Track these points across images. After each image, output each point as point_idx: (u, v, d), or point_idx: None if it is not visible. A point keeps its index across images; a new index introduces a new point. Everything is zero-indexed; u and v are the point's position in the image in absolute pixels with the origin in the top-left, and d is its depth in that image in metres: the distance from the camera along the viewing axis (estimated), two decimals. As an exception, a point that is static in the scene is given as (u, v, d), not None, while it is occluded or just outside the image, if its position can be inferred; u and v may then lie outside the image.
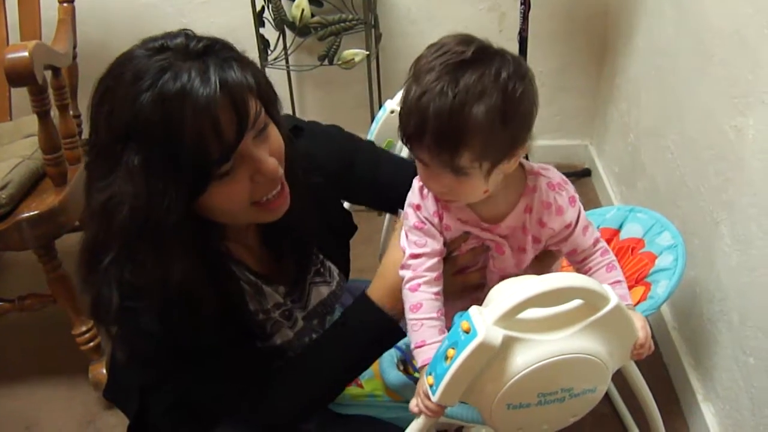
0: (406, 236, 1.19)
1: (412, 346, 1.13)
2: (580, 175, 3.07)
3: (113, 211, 1.03)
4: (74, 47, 2.29)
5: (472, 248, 1.20)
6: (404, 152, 1.65)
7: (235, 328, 1.20)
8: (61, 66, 2.00)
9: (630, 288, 1.42)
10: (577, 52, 2.95)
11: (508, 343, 0.93)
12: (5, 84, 2.24)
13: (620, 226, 1.87)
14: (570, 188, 1.18)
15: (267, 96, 1.11)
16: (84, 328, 2.07)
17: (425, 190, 1.17)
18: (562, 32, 2.89)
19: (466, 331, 0.92)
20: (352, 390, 1.45)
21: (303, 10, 2.51)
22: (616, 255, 1.68)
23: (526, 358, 0.95)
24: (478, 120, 0.98)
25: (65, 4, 2.30)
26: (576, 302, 0.97)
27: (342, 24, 2.57)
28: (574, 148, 3.17)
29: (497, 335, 0.92)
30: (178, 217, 1.02)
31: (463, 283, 1.23)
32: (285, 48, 2.72)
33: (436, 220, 1.15)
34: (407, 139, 1.04)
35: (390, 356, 1.45)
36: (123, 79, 1.02)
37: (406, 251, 1.17)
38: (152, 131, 0.99)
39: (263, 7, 2.59)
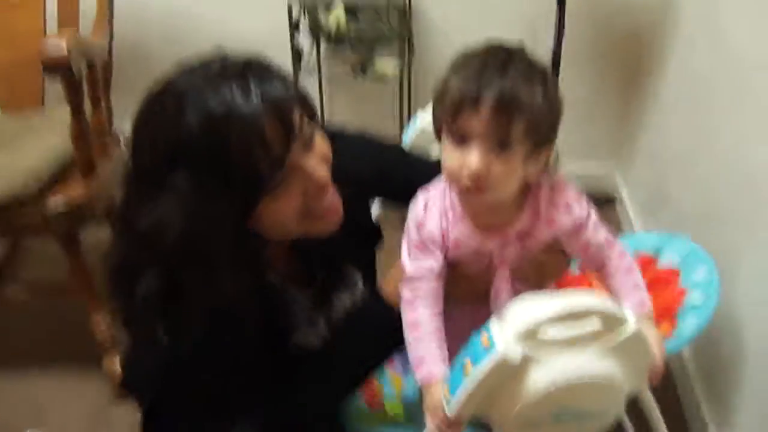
0: (408, 253, 1.18)
1: (412, 363, 1.14)
2: (605, 201, 3.06)
3: (160, 235, 1.02)
4: (110, 42, 2.31)
5: (480, 265, 1.19)
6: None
7: (264, 333, 1.20)
8: (97, 59, 2.02)
9: (656, 323, 1.40)
10: (608, 77, 2.94)
11: (526, 362, 0.93)
12: (40, 74, 2.27)
13: (657, 253, 1.83)
14: (574, 187, 1.19)
15: (308, 106, 1.12)
16: (101, 320, 2.08)
17: (429, 204, 1.17)
18: (594, 56, 2.88)
19: (486, 345, 0.92)
20: (374, 414, 1.47)
21: (339, 21, 2.52)
22: (650, 284, 1.66)
23: (543, 377, 0.95)
24: (535, 96, 1.01)
25: (104, -1, 2.32)
26: (596, 323, 0.97)
27: (377, 37, 2.57)
28: (601, 175, 3.15)
29: (516, 351, 0.92)
30: (230, 237, 1.03)
31: (469, 287, 1.22)
32: (318, 57, 2.73)
33: (438, 237, 1.15)
34: (458, 105, 1.02)
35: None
36: (165, 104, 1.02)
37: (407, 269, 1.17)
38: (200, 152, 0.99)
39: (299, 15, 2.61)
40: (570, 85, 2.81)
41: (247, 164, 0.99)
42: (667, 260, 1.79)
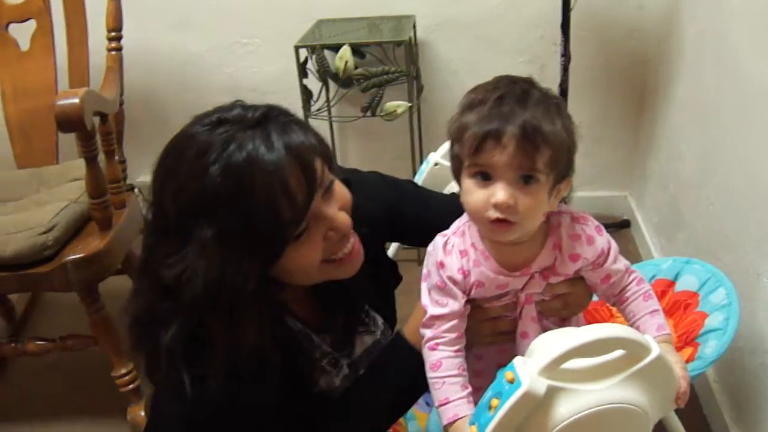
0: (429, 294, 1.19)
1: (436, 404, 1.13)
2: (619, 226, 3.06)
3: (185, 285, 1.03)
4: (121, 94, 2.34)
5: (504, 304, 1.19)
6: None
7: (287, 377, 1.20)
8: (109, 112, 2.04)
9: (679, 349, 1.40)
10: (617, 103, 2.95)
11: (551, 393, 0.93)
12: (53, 128, 2.30)
13: (675, 278, 1.83)
14: (593, 219, 1.19)
15: (327, 153, 1.13)
16: (124, 370, 2.09)
17: (449, 245, 1.17)
18: (602, 83, 2.90)
19: (511, 381, 0.93)
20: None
21: (346, 61, 2.53)
22: (670, 309, 1.65)
23: (569, 407, 0.95)
24: (555, 127, 1.03)
25: (113, 52, 2.35)
26: (618, 352, 0.97)
27: (385, 76, 2.58)
28: (614, 200, 3.16)
29: (541, 385, 0.92)
30: (254, 285, 1.03)
31: (492, 329, 1.22)
32: (328, 99, 2.75)
33: (459, 277, 1.14)
34: (480, 141, 1.03)
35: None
36: (186, 157, 1.03)
37: (428, 311, 1.17)
38: (224, 203, 1.00)
39: (307, 58, 2.63)
40: (580, 111, 2.82)
41: (271, 214, 1.01)
42: (686, 284, 1.79)
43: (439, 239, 1.19)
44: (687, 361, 1.56)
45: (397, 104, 2.60)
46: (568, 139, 1.06)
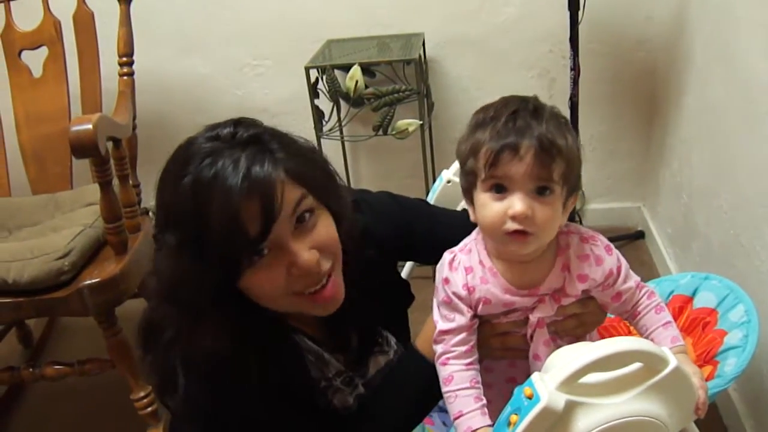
0: (438, 309, 1.21)
1: (452, 417, 1.14)
2: (633, 237, 3.05)
3: (157, 286, 1.10)
4: (134, 118, 2.36)
5: (512, 321, 1.20)
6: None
7: (298, 395, 1.21)
8: (122, 137, 2.06)
9: (699, 368, 1.39)
10: (627, 114, 2.96)
11: (570, 408, 0.93)
12: (67, 153, 2.31)
13: (694, 294, 1.80)
14: (603, 239, 1.20)
15: (316, 183, 1.12)
16: (142, 393, 2.09)
17: (455, 262, 1.18)
18: (611, 95, 2.91)
19: (529, 397, 0.93)
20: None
21: (357, 81, 2.54)
22: (689, 327, 1.64)
23: (588, 422, 0.95)
24: (568, 140, 1.06)
25: (125, 77, 2.37)
26: (636, 365, 0.97)
27: (395, 95, 2.58)
28: (627, 211, 3.16)
29: (560, 400, 0.92)
30: (208, 298, 1.05)
31: (502, 344, 1.22)
32: (339, 119, 2.75)
33: (464, 293, 1.16)
34: (497, 155, 1.05)
35: None
36: (174, 162, 1.07)
37: (437, 326, 1.19)
38: (185, 215, 1.02)
39: (317, 79, 2.64)
40: (591, 124, 2.86)
41: (224, 236, 1.01)
42: (704, 301, 1.76)
43: (446, 255, 1.21)
44: (707, 380, 1.52)
45: (409, 122, 2.60)
46: (577, 153, 1.09)
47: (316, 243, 1.10)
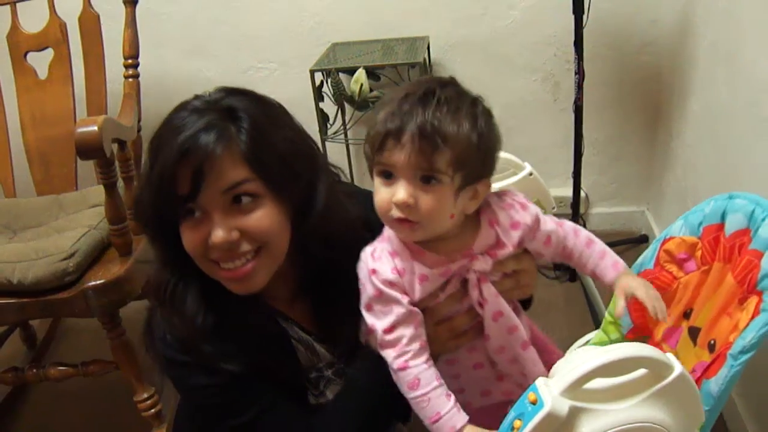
0: (371, 312, 1.16)
1: (428, 422, 1.11)
2: (637, 241, 3.04)
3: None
4: (138, 120, 2.36)
5: (450, 294, 1.18)
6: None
7: (287, 382, 1.21)
8: (128, 139, 2.06)
9: (744, 300, 1.34)
10: (631, 118, 2.96)
11: (574, 414, 0.93)
12: (72, 155, 2.32)
13: (723, 219, 1.59)
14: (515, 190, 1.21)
15: (271, 173, 1.14)
16: (146, 395, 2.09)
17: (377, 253, 1.16)
18: (615, 99, 2.90)
19: (533, 402, 0.93)
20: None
21: (362, 84, 2.54)
22: (727, 256, 1.54)
23: (592, 427, 0.95)
24: (461, 128, 1.03)
25: (131, 79, 2.38)
26: (641, 371, 0.97)
27: (400, 96, 2.57)
28: (631, 215, 3.15)
29: (564, 406, 0.92)
30: (155, 228, 1.18)
31: (450, 331, 1.20)
32: (344, 122, 2.76)
33: (394, 277, 1.13)
34: (383, 138, 1.04)
35: None
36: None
37: (377, 328, 1.14)
38: (149, 150, 1.14)
39: (322, 82, 2.64)
40: (595, 127, 2.86)
41: (159, 183, 1.10)
42: (734, 224, 1.55)
43: (365, 251, 1.18)
44: (753, 316, 1.34)
45: (412, 125, 2.59)
46: (478, 141, 1.05)
47: (242, 226, 1.13)
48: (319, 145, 1.27)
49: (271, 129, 1.16)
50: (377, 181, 1.08)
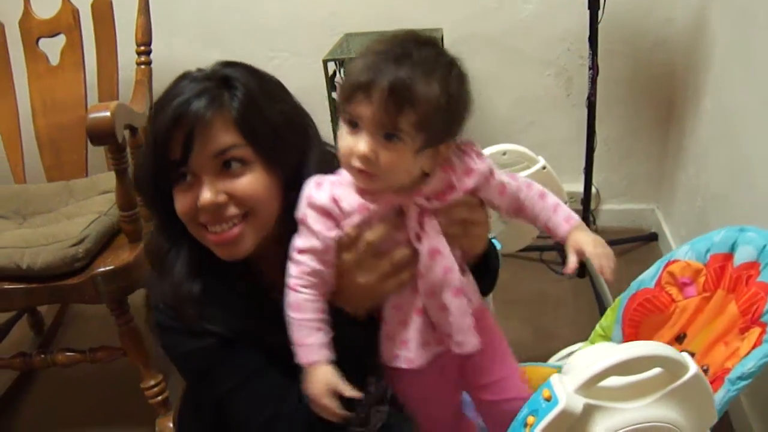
0: (300, 227, 1.16)
1: (294, 343, 1.13)
2: (647, 239, 3.04)
3: None
4: (150, 107, 2.36)
5: (387, 221, 1.15)
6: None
7: (275, 348, 1.21)
8: (139, 126, 2.06)
9: (745, 330, 1.35)
10: (644, 115, 2.94)
11: (588, 411, 0.93)
12: (82, 142, 2.33)
13: (732, 249, 1.64)
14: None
15: (263, 141, 1.17)
16: (153, 382, 2.09)
17: (323, 182, 1.14)
18: (629, 95, 2.89)
19: (547, 399, 0.92)
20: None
21: (374, 74, 2.52)
22: (733, 285, 1.54)
23: (606, 425, 0.94)
24: (430, 90, 1.02)
25: (143, 66, 2.38)
26: (655, 370, 0.97)
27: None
28: (641, 212, 3.15)
29: (578, 403, 0.92)
30: (153, 192, 1.21)
31: (391, 265, 1.17)
32: (355, 111, 2.73)
33: (329, 206, 1.12)
34: (352, 90, 1.03)
35: None
36: None
37: (294, 241, 1.15)
38: (151, 115, 1.18)
39: (335, 72, 2.64)
40: (607, 124, 2.85)
41: (153, 148, 1.15)
42: (744, 255, 1.61)
43: (312, 181, 1.16)
44: (754, 346, 1.41)
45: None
46: (445, 105, 1.04)
47: (230, 190, 1.16)
48: (331, 135, 1.26)
49: (265, 100, 1.19)
50: (343, 128, 1.08)
